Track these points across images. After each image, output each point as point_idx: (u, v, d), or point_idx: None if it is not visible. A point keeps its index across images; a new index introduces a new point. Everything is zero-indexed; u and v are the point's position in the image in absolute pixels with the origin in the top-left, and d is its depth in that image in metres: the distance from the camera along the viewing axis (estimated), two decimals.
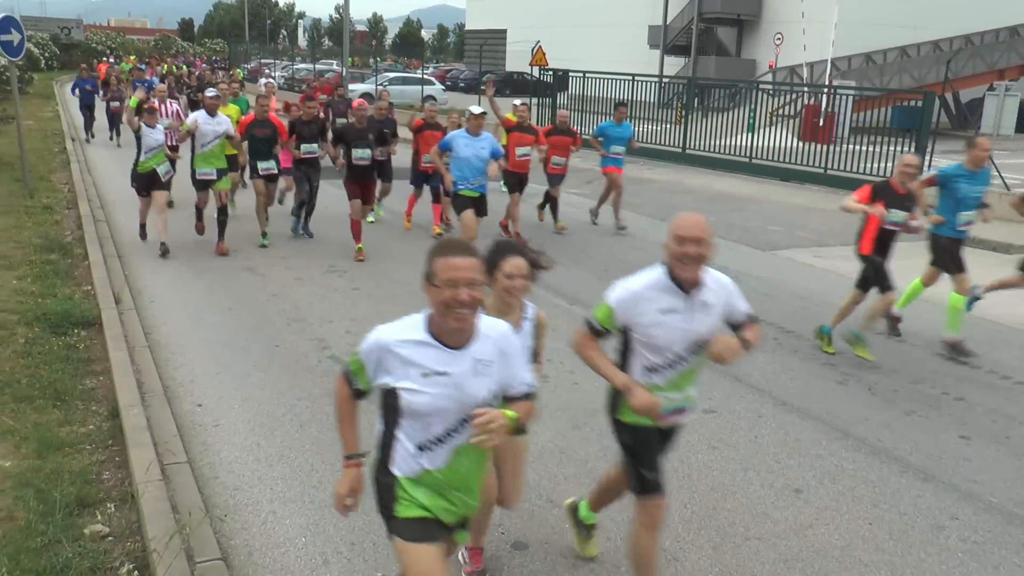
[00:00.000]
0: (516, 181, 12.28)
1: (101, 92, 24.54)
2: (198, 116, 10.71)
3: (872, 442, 6.09)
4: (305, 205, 11.85)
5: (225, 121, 10.77)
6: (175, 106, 14.03)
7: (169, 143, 11.57)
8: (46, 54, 57.96)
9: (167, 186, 10.73)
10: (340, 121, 16.93)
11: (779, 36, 34.13)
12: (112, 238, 11.23)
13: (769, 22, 39.26)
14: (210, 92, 10.98)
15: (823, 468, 5.63)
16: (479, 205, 9.98)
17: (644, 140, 22.89)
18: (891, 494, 5.32)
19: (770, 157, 19.89)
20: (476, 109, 9.62)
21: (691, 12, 40.80)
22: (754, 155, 20.20)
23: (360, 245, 10.84)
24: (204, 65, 47.27)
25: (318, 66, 47.35)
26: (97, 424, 5.79)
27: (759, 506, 5.09)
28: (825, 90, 23.19)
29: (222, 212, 10.85)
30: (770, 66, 34.70)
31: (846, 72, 33.35)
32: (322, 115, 15.87)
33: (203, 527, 4.46)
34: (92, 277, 9.19)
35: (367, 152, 10.90)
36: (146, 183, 10.67)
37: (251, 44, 67.02)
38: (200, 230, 11.27)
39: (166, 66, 42.70)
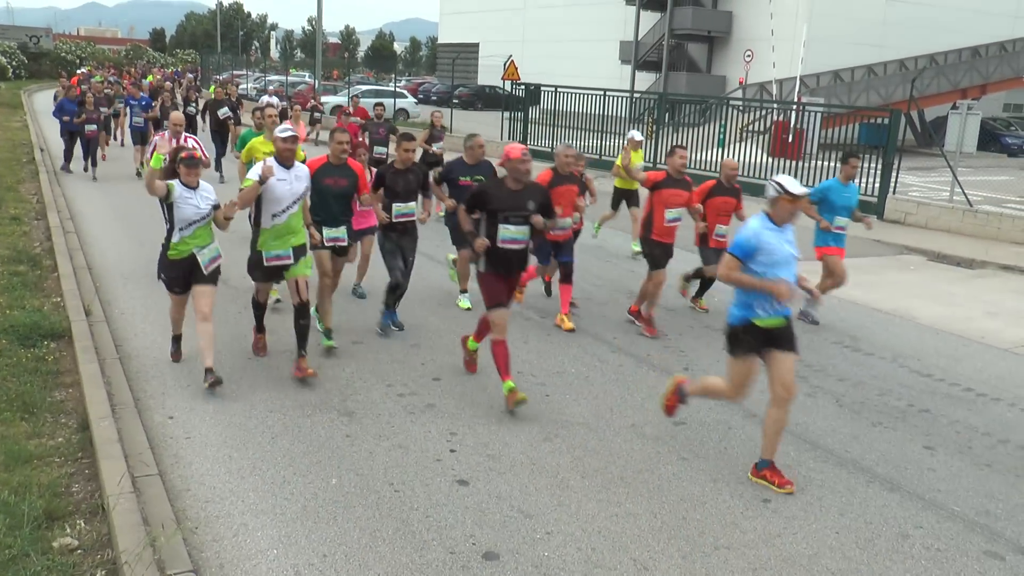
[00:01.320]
0: (662, 253, 8.81)
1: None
2: (268, 166, 6.84)
3: (839, 453, 6.19)
4: (398, 288, 8.30)
5: (304, 174, 7.11)
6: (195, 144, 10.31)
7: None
8: (14, 63, 57.36)
9: (213, 279, 6.91)
10: (378, 150, 14.70)
11: (749, 53, 34.59)
12: (82, 249, 11.12)
13: (739, 39, 39.77)
14: (283, 131, 6.94)
15: (791, 478, 5.72)
16: (784, 339, 5.55)
17: (615, 155, 23.03)
18: (858, 504, 5.42)
19: (740, 172, 20.03)
20: (796, 187, 5.51)
21: (662, 28, 41.23)
22: None
23: (511, 383, 6.61)
24: (191, 75, 44.57)
25: (290, 78, 47.21)
26: (66, 437, 5.75)
27: (728, 516, 5.16)
28: (794, 107, 23.54)
29: (301, 313, 7.01)
30: (740, 82, 35.14)
31: (815, 89, 33.86)
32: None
33: (175, 539, 4.45)
34: (62, 289, 9.11)
35: (525, 230, 6.62)
36: (182, 274, 6.81)
37: (223, 55, 66.73)
38: (261, 346, 7.60)
39: (152, 77, 37.83)
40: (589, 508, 5.16)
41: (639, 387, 7.28)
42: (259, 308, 7.49)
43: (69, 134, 18.29)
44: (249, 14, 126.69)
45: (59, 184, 16.46)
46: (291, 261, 7.05)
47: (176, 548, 4.38)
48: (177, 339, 7.32)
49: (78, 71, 46.75)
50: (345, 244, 7.82)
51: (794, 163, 18.91)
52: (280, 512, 4.92)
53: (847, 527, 5.12)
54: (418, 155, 10.45)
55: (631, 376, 7.54)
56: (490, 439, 6.08)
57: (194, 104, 22.39)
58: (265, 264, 7.02)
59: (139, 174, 17.54)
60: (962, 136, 17.04)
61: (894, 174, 17.12)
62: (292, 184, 6.95)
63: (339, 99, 35.80)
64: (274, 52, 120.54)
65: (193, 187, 6.63)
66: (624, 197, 13.17)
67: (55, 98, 22.10)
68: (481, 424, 6.34)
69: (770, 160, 19.88)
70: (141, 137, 18.81)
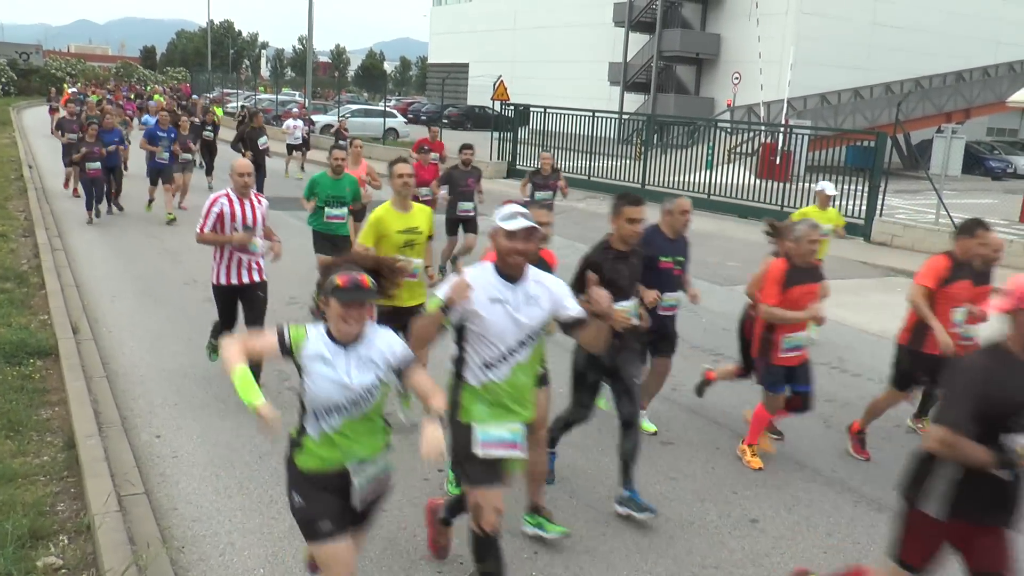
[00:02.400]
0: (934, 369, 6.04)
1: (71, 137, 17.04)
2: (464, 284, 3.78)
3: (827, 473, 6.21)
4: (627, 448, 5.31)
5: (549, 289, 3.97)
6: (262, 207, 6.95)
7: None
8: (3, 80, 57.32)
9: (370, 517, 3.79)
10: (464, 207, 11.34)
11: (737, 76, 34.92)
12: (70, 267, 11.08)
13: (727, 62, 40.15)
14: (511, 218, 3.83)
15: (779, 499, 5.74)
16: None
17: (603, 176, 23.24)
18: (845, 524, 5.43)
19: (728, 194, 20.26)
20: None
21: (651, 50, 41.59)
22: (712, 192, 20.56)
23: None
24: (195, 97, 37.78)
25: (281, 96, 47.28)
26: (52, 455, 5.71)
27: (716, 536, 5.17)
28: (782, 129, 23.74)
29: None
30: (728, 104, 35.45)
31: (802, 112, 34.17)
32: (439, 193, 11.50)
33: (160, 558, 4.42)
34: (49, 306, 9.07)
35: None
36: (331, 502, 3.50)
37: (214, 73, 66.86)
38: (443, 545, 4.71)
39: (158, 97, 32.69)
40: (577, 527, 5.16)
41: None
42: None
43: (107, 170, 14.93)
44: (240, 32, 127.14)
45: (47, 202, 16.41)
46: (518, 452, 3.99)
47: (162, 567, 4.36)
48: None
49: (69, 89, 42.47)
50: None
51: (782, 184, 19.05)
52: (267, 531, 4.90)
53: (835, 547, 5.13)
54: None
55: None
56: None
57: (210, 129, 19.88)
58: (480, 452, 3.91)
59: (172, 221, 14.94)
60: (947, 159, 17.22)
61: (880, 196, 17.27)
62: (522, 309, 3.87)
63: (329, 118, 35.80)
64: (264, 71, 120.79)
65: (347, 342, 3.49)
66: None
67: (58, 128, 18.37)
68: None
69: (758, 182, 20.03)
70: (161, 176, 15.38)
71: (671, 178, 21.74)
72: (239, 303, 7.02)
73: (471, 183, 11.12)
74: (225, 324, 7.12)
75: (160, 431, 6.25)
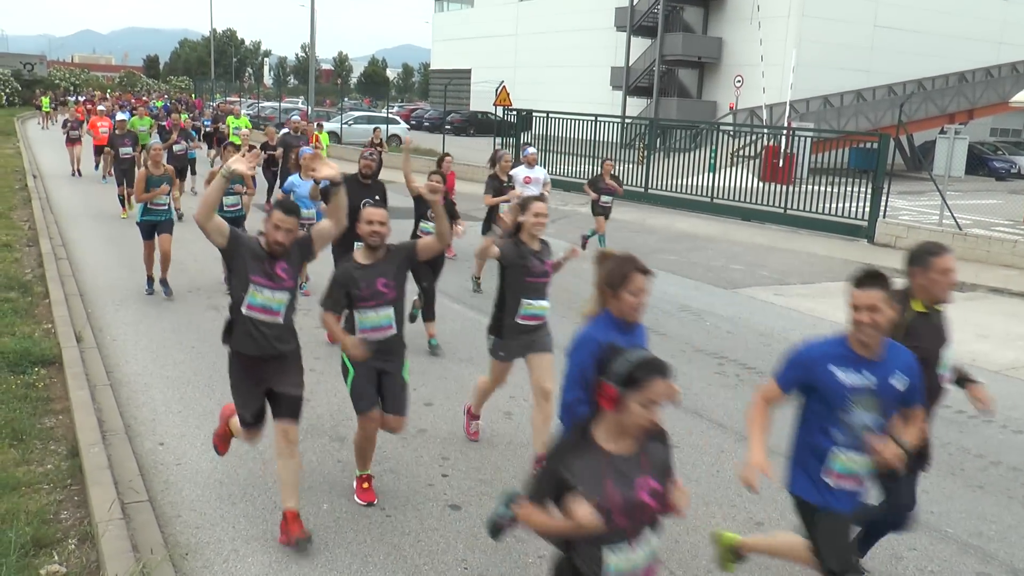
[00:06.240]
0: None
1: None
2: None
3: None
4: None
5: None
6: None
7: None
8: (7, 90, 57.59)
9: None
10: None
11: (739, 79, 34.89)
12: (74, 276, 11.10)
13: (729, 65, 40.12)
14: None
15: (784, 502, 5.70)
16: None
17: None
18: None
19: (731, 197, 20.25)
20: None
21: (653, 54, 41.58)
22: (715, 195, 20.55)
23: None
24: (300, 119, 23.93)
25: (284, 104, 47.36)
26: (56, 463, 5.72)
27: None
28: (784, 132, 23.72)
29: None
30: (731, 108, 35.41)
31: (804, 114, 34.14)
32: None
33: (164, 566, 4.42)
34: (53, 315, 9.09)
35: None
36: None
37: (217, 82, 67.05)
38: None
39: (234, 120, 23.96)
40: None
41: None
42: None
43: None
44: (243, 41, 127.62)
45: (51, 211, 16.46)
46: None
47: (165, 574, 4.35)
48: None
49: (98, 108, 30.16)
50: None
51: (785, 187, 19.04)
52: (271, 538, 4.90)
53: None
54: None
55: None
56: (482, 464, 6.07)
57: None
58: None
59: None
60: (950, 160, 17.18)
61: (884, 198, 17.24)
62: None
63: (332, 125, 35.81)
64: (267, 79, 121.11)
65: None
66: None
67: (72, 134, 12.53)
68: (473, 449, 6.32)
69: (761, 185, 20.01)
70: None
71: (674, 182, 21.73)
72: None
73: None
74: None
75: (164, 438, 6.25)
